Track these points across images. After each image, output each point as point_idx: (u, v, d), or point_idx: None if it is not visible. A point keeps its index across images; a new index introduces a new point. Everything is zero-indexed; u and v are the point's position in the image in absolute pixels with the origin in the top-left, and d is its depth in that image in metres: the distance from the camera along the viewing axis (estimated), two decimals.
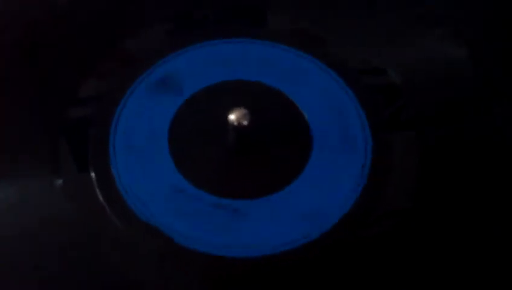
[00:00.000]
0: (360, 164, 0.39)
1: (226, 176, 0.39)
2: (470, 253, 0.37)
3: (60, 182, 0.38)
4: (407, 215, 0.38)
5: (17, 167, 0.39)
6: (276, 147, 0.40)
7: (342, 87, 0.41)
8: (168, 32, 0.44)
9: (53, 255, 0.37)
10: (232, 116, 0.38)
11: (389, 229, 0.37)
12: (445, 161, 0.39)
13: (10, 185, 0.39)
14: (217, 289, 0.36)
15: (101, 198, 0.38)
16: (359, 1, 0.45)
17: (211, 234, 0.37)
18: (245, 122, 0.38)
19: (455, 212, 0.38)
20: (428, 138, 0.40)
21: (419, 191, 0.38)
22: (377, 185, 0.38)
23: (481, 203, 0.38)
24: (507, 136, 0.40)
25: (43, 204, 0.38)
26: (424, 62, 0.43)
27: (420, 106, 0.41)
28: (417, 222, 0.37)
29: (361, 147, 0.39)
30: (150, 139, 0.40)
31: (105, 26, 0.44)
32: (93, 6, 0.45)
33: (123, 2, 0.45)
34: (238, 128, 0.38)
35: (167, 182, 0.38)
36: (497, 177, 0.39)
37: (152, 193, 0.38)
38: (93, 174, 0.39)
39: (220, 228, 0.37)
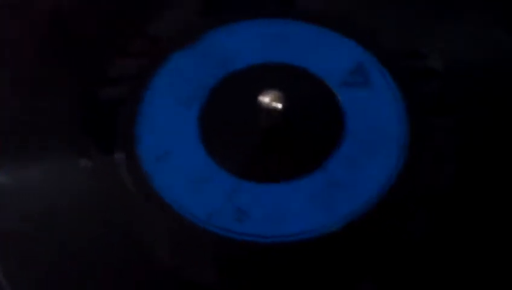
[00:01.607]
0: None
1: (256, 159, 0.38)
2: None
3: (87, 163, 0.38)
4: (446, 202, 0.36)
5: (45, 148, 0.38)
6: (309, 129, 0.38)
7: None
8: (198, 13, 0.43)
9: (80, 236, 0.36)
10: (264, 99, 0.37)
11: (427, 216, 0.36)
12: (485, 148, 0.38)
13: (39, 166, 0.38)
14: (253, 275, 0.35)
15: (127, 181, 0.37)
16: None
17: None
18: (278, 105, 0.37)
19: (494, 199, 0.36)
20: (468, 124, 0.38)
21: (458, 178, 0.37)
22: (414, 169, 0.37)
23: None
24: None
25: (71, 185, 0.37)
26: (468, 47, 0.41)
27: (462, 92, 0.39)
28: (456, 209, 0.36)
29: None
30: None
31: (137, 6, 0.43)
32: None
33: None
34: (270, 110, 0.37)
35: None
36: None
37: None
38: (119, 156, 0.38)
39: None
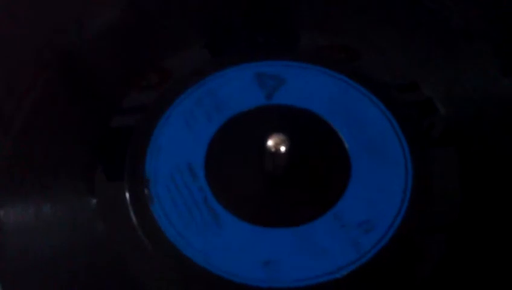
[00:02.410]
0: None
1: (265, 204, 0.38)
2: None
3: (94, 201, 0.38)
4: (452, 230, 0.37)
5: (54, 185, 0.39)
6: (315, 171, 0.39)
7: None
8: (210, 52, 0.43)
9: (85, 275, 0.37)
10: (269, 142, 0.38)
11: (435, 245, 0.36)
12: (486, 176, 0.38)
13: (47, 202, 0.38)
14: None
15: (134, 219, 0.38)
16: (392, 15, 0.44)
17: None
18: (283, 148, 0.38)
19: (499, 225, 0.37)
20: (466, 153, 0.39)
21: (463, 206, 0.37)
22: (420, 201, 0.37)
23: None
24: None
25: (79, 223, 0.38)
26: (462, 77, 0.42)
27: (458, 121, 0.40)
28: (462, 236, 0.37)
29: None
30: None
31: (150, 44, 0.44)
32: (140, 23, 0.45)
33: (167, 20, 0.45)
34: (275, 154, 0.38)
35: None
36: None
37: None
38: (127, 195, 0.38)
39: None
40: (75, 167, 0.39)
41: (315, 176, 0.39)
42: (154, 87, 0.42)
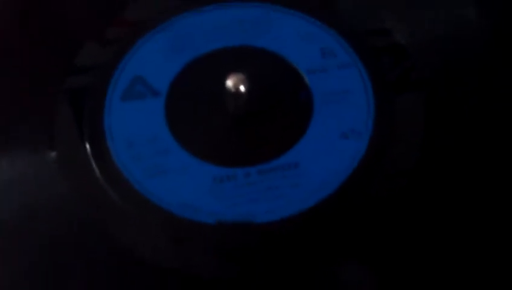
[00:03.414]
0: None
1: (226, 144, 0.38)
2: (472, 218, 0.35)
3: (54, 154, 0.37)
4: (410, 178, 0.36)
5: (11, 140, 0.38)
6: (276, 111, 0.38)
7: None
8: None
9: (49, 230, 0.36)
10: (229, 82, 0.37)
11: (391, 192, 0.36)
12: (450, 124, 0.38)
13: (4, 158, 0.38)
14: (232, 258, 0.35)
15: (97, 171, 0.37)
16: None
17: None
18: (242, 88, 0.37)
19: (458, 176, 0.36)
20: (433, 100, 0.38)
21: (423, 154, 0.37)
22: (380, 147, 0.37)
23: (485, 168, 0.37)
24: None
25: (38, 178, 0.37)
26: (431, 21, 0.41)
27: (426, 68, 0.39)
28: (420, 185, 0.36)
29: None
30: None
31: None
32: None
33: None
34: (235, 94, 0.37)
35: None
36: (502, 142, 0.37)
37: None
38: (88, 147, 0.38)
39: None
40: (33, 121, 0.39)
41: (276, 118, 0.38)
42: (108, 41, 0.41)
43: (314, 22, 0.41)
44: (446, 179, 0.36)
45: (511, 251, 0.34)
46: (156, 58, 0.40)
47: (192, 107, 0.39)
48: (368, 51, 0.40)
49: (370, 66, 0.39)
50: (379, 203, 0.36)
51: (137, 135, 0.38)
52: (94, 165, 0.37)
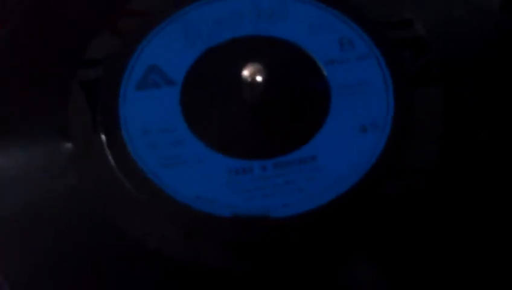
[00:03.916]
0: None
1: (241, 136, 0.37)
2: (491, 214, 0.35)
3: (69, 146, 0.37)
4: (430, 177, 0.36)
5: (26, 131, 0.38)
6: (293, 103, 0.38)
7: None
8: None
9: (63, 222, 0.36)
10: (245, 72, 0.37)
11: (410, 190, 0.35)
12: (470, 119, 0.37)
13: (19, 149, 0.37)
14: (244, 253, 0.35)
15: (112, 162, 0.36)
16: None
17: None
18: (259, 78, 0.37)
19: (478, 173, 0.36)
20: (453, 95, 0.38)
21: (442, 150, 0.36)
22: (399, 141, 0.36)
23: (506, 164, 0.36)
24: None
25: (53, 169, 0.37)
26: (454, 15, 0.41)
27: (447, 61, 0.39)
28: (439, 182, 0.36)
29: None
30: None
31: None
32: None
33: None
34: (252, 84, 0.37)
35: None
36: None
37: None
38: (103, 136, 0.37)
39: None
40: (48, 112, 0.38)
41: (292, 110, 0.38)
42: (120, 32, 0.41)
43: (332, 11, 0.41)
44: (466, 179, 0.36)
45: None
46: (171, 48, 0.40)
47: (208, 97, 0.38)
48: (387, 42, 0.39)
49: (389, 58, 0.39)
50: (397, 201, 0.35)
51: (153, 124, 0.38)
52: (109, 155, 0.37)
